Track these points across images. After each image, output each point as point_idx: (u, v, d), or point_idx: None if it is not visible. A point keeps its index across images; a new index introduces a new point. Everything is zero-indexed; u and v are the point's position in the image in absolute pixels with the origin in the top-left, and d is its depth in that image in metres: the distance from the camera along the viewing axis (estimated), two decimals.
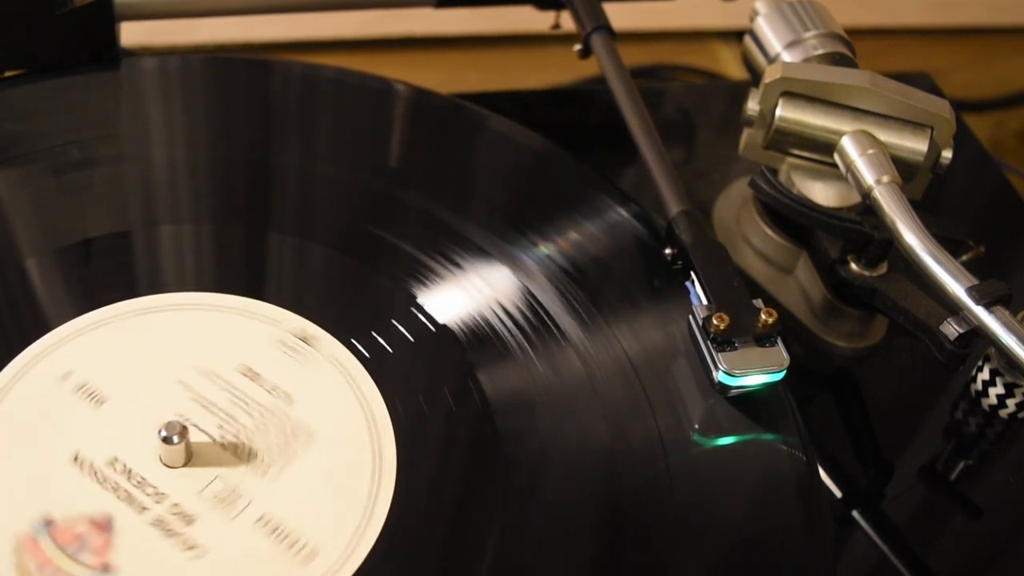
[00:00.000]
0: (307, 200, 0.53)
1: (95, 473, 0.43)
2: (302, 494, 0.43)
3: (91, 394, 0.45)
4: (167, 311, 0.48)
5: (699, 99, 0.70)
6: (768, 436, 0.47)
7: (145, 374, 0.46)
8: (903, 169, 0.52)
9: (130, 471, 0.43)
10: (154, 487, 0.42)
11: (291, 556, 0.41)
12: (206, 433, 0.44)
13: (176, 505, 0.42)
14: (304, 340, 0.47)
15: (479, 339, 0.48)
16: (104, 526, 0.41)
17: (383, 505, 0.43)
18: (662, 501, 0.44)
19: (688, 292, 0.49)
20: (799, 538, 0.45)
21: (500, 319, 0.49)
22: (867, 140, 0.52)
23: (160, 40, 0.73)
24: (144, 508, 0.42)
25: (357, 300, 0.49)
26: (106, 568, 0.40)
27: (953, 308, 0.48)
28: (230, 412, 0.45)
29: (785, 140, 0.54)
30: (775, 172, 0.56)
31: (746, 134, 0.56)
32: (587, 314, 0.49)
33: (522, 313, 0.49)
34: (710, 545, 0.44)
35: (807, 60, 0.56)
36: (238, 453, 0.44)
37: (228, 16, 0.65)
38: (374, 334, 0.47)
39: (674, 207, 0.51)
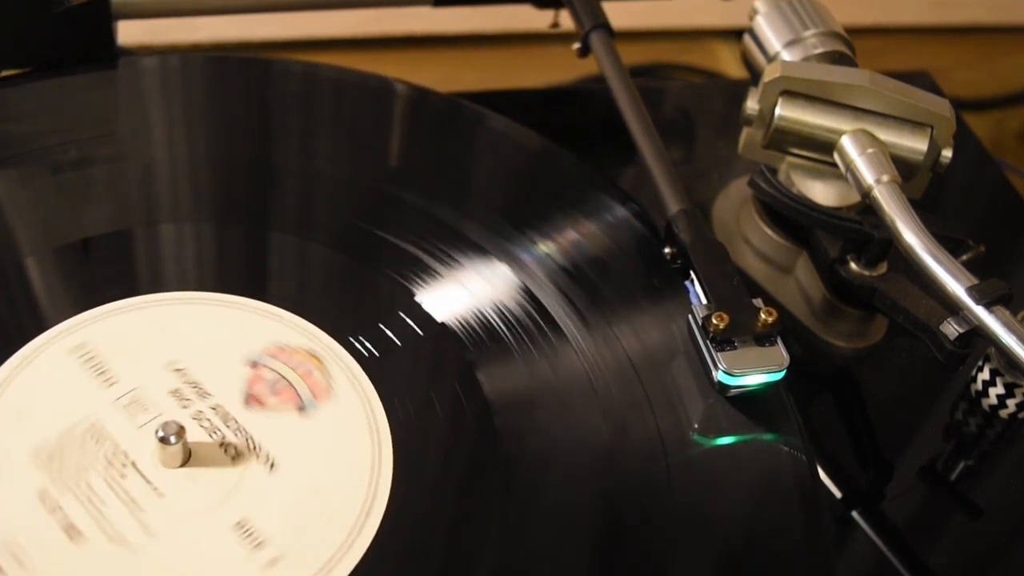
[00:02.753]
0: (306, 199, 0.53)
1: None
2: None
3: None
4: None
5: (698, 98, 0.70)
6: (768, 436, 0.46)
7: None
8: (903, 168, 0.52)
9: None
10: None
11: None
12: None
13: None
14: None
15: (478, 338, 0.48)
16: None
17: (380, 505, 0.43)
18: (661, 501, 0.44)
19: (687, 291, 0.49)
20: (799, 538, 0.44)
21: (499, 318, 0.49)
22: (867, 139, 0.52)
23: (158, 39, 0.73)
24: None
25: (356, 298, 0.49)
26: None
27: (953, 308, 0.48)
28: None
29: (784, 139, 0.54)
30: (774, 171, 0.56)
31: (745, 133, 0.55)
32: (586, 313, 0.49)
33: (521, 312, 0.49)
34: (709, 545, 0.44)
35: (806, 59, 0.56)
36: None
37: (226, 15, 0.65)
38: (373, 333, 0.47)
39: (673, 206, 0.51)
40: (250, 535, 0.42)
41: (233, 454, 0.44)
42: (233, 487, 0.43)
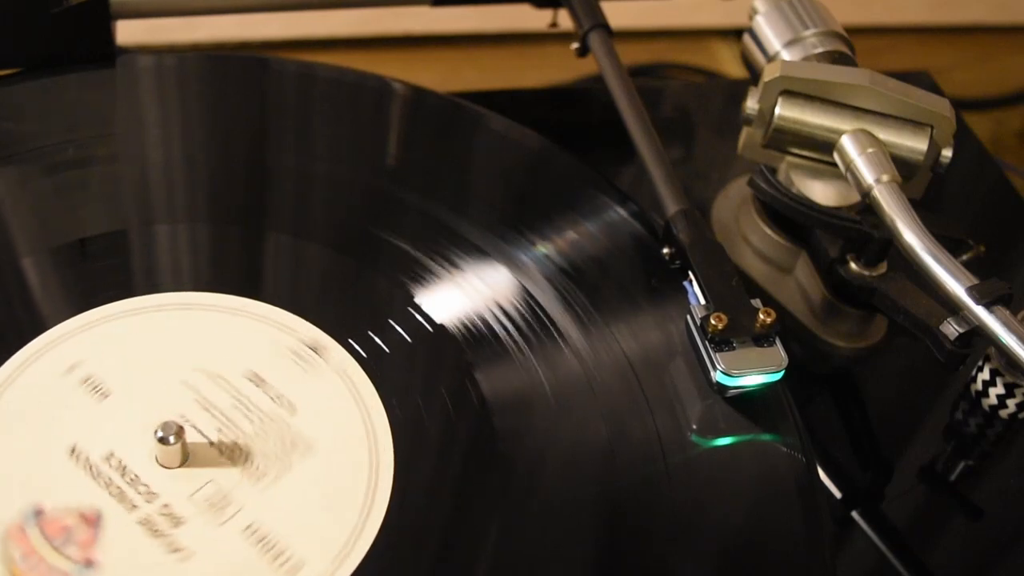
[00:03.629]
0: (304, 199, 0.53)
1: (90, 467, 0.42)
2: (294, 505, 0.43)
3: (96, 387, 0.45)
4: (175, 310, 0.48)
5: (698, 98, 0.70)
6: (767, 436, 0.46)
7: (151, 372, 0.45)
8: (903, 168, 0.52)
9: (125, 468, 0.43)
10: (146, 486, 0.42)
11: (275, 567, 0.41)
12: (204, 435, 0.44)
13: (166, 506, 0.42)
14: (315, 350, 0.47)
15: (477, 339, 0.48)
16: (92, 520, 0.41)
17: (380, 507, 0.43)
18: (660, 502, 0.44)
19: (686, 292, 0.49)
20: (798, 539, 0.44)
21: (498, 319, 0.48)
22: (867, 139, 0.52)
23: (157, 38, 0.73)
24: (134, 506, 0.42)
25: (354, 299, 0.49)
26: (89, 563, 0.40)
27: (953, 308, 0.48)
28: (231, 416, 0.44)
29: (784, 139, 0.54)
30: (774, 171, 0.56)
31: (745, 133, 0.55)
32: (585, 314, 0.49)
33: (520, 313, 0.49)
34: (709, 546, 0.44)
35: (806, 58, 0.56)
36: (234, 458, 0.43)
37: (225, 14, 0.65)
38: (371, 334, 0.47)
39: (672, 206, 0.51)
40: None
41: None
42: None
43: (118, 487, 0.42)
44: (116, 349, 0.46)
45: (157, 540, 0.41)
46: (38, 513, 0.41)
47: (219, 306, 0.48)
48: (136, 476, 0.42)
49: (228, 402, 0.45)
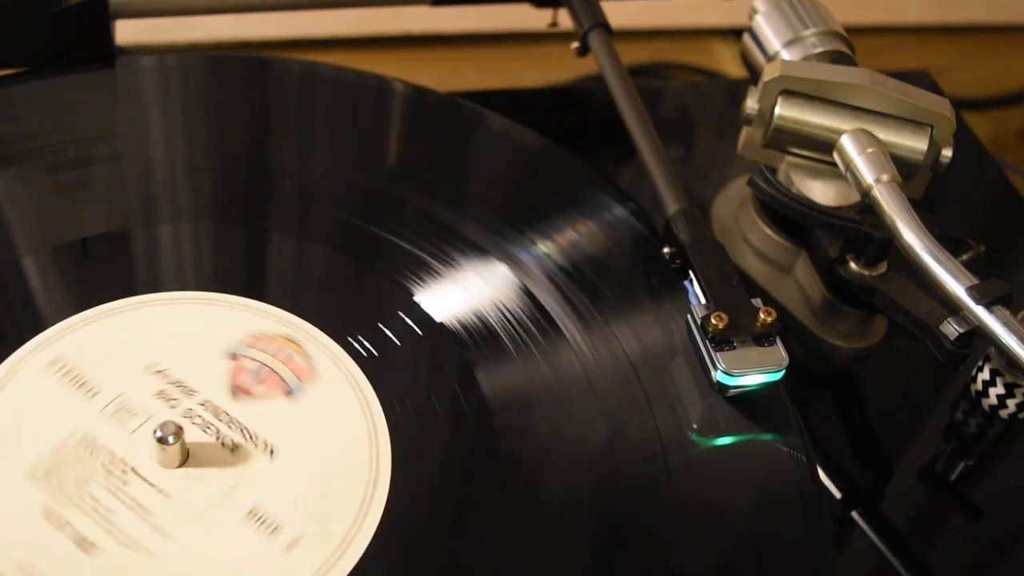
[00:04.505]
0: (304, 198, 0.53)
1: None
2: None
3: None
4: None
5: (697, 97, 0.70)
6: (767, 436, 0.46)
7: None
8: (903, 168, 0.52)
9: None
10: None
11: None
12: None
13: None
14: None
15: (477, 338, 0.48)
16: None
17: (378, 504, 0.43)
18: (660, 501, 0.44)
19: (686, 291, 0.49)
20: (798, 539, 0.44)
21: (498, 318, 0.48)
22: (866, 139, 0.52)
23: (156, 38, 0.73)
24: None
25: (355, 298, 0.49)
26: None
27: (953, 308, 0.48)
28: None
29: (784, 138, 0.54)
30: (774, 171, 0.56)
31: (745, 132, 0.55)
32: (585, 313, 0.49)
33: (520, 312, 0.49)
34: (709, 545, 0.44)
35: (806, 58, 0.56)
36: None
37: (224, 14, 0.65)
38: (371, 333, 0.47)
39: (672, 206, 0.51)
40: (264, 522, 0.42)
41: (231, 446, 0.43)
42: (238, 478, 0.43)
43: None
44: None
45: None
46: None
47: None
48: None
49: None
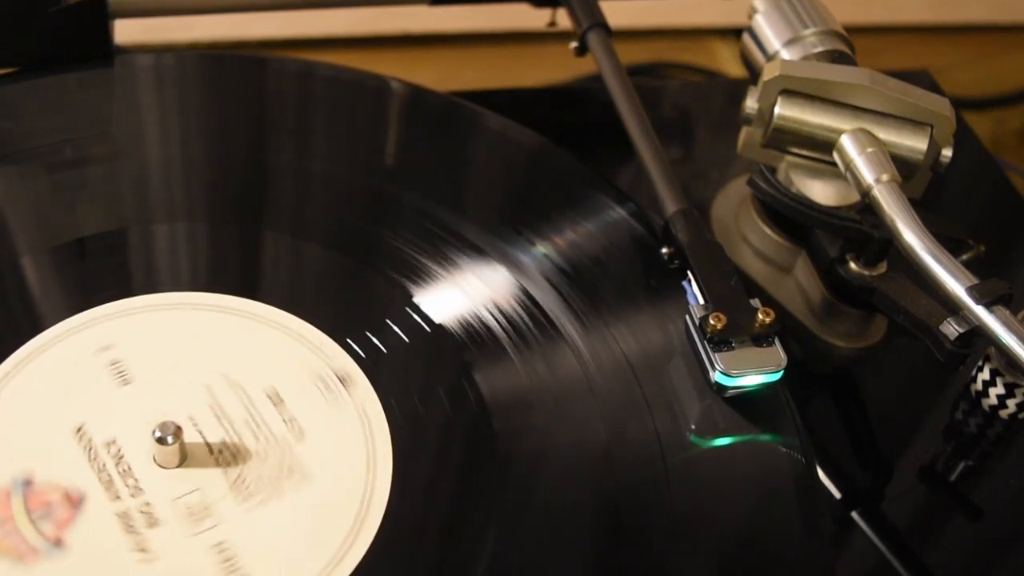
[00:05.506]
0: (302, 198, 0.53)
1: (90, 449, 0.43)
2: (272, 532, 0.42)
3: (120, 373, 0.45)
4: (210, 311, 0.48)
5: (697, 97, 0.70)
6: (766, 437, 0.46)
7: (177, 368, 0.45)
8: (903, 167, 0.52)
9: (121, 457, 0.43)
10: (136, 480, 0.42)
11: None
12: (207, 443, 0.44)
13: (148, 504, 0.42)
14: (343, 382, 0.46)
15: (476, 339, 0.48)
16: (75, 501, 0.41)
17: (378, 507, 0.42)
18: (659, 502, 0.44)
19: (685, 291, 0.49)
20: (798, 539, 0.44)
21: (497, 319, 0.48)
22: (866, 138, 0.52)
23: (154, 38, 0.73)
24: (118, 497, 0.42)
25: (352, 299, 0.49)
26: (58, 543, 0.40)
27: (953, 308, 0.48)
28: (238, 429, 0.44)
29: (784, 138, 0.54)
30: (774, 170, 0.55)
31: (744, 132, 0.55)
32: (584, 313, 0.49)
33: (519, 312, 0.49)
34: (708, 546, 0.44)
35: (806, 58, 0.56)
36: (228, 473, 0.43)
37: (223, 13, 0.65)
38: (370, 333, 0.47)
39: (671, 206, 0.50)
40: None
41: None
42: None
43: (108, 475, 0.42)
44: (148, 339, 0.46)
45: (128, 536, 0.41)
46: (27, 483, 0.41)
47: (270, 320, 0.48)
48: (129, 468, 0.42)
49: (241, 414, 0.45)
